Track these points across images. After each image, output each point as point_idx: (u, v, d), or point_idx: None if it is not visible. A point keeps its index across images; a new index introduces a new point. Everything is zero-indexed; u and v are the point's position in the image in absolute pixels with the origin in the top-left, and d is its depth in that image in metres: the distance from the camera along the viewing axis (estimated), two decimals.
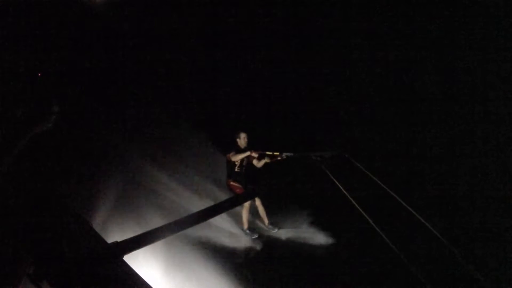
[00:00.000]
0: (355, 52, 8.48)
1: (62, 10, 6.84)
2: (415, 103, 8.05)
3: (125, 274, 1.51)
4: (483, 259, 4.19)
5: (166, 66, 8.12)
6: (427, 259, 3.92)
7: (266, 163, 5.33)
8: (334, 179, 2.66)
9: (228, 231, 5.56)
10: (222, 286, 4.02)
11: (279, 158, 4.99)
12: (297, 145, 7.55)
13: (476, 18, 7.35)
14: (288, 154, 4.80)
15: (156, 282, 3.74)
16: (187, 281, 3.92)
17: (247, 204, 5.47)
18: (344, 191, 2.71)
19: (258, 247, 5.28)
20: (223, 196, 6.03)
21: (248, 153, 5.31)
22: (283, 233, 5.66)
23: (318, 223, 5.82)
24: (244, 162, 5.47)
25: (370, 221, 2.61)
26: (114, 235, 4.28)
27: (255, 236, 5.45)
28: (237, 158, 5.35)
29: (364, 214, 2.65)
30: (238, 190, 5.48)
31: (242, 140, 5.48)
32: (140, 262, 3.67)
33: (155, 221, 4.68)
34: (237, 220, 5.70)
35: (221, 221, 5.64)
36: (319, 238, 5.43)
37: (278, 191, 6.62)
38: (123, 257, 1.49)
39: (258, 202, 5.66)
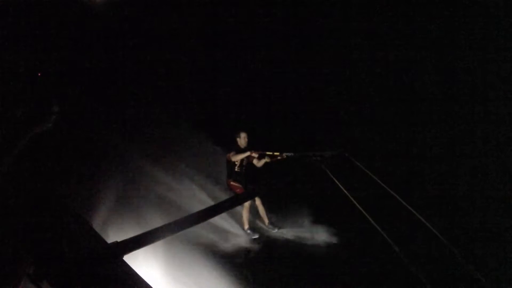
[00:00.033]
0: (355, 52, 8.48)
1: (62, 10, 6.84)
2: (415, 103, 8.06)
3: (125, 274, 1.51)
4: (483, 259, 4.19)
5: (166, 66, 8.12)
6: (427, 259, 3.92)
7: (266, 163, 5.33)
8: (334, 179, 2.66)
9: (228, 231, 5.56)
10: (222, 286, 4.01)
11: (279, 158, 4.99)
12: (297, 145, 7.55)
13: (476, 18, 7.34)
14: (288, 154, 4.80)
15: (156, 282, 3.74)
16: (187, 281, 3.92)
17: (247, 204, 5.47)
18: (345, 191, 2.71)
19: (258, 247, 5.28)
20: (223, 196, 6.03)
21: (248, 153, 5.31)
22: (283, 233, 5.66)
23: (318, 223, 5.83)
24: (244, 162, 5.47)
25: (371, 220, 2.61)
26: (114, 235, 4.28)
27: (256, 236, 5.45)
28: (237, 158, 5.34)
29: (364, 213, 2.65)
30: (238, 190, 5.48)
31: (242, 139, 5.47)
32: (140, 262, 3.67)
33: (155, 221, 4.68)
34: (237, 220, 5.70)
35: (221, 221, 5.64)
36: (319, 238, 5.43)
37: (278, 191, 6.64)
38: (123, 257, 1.49)
39: (258, 202, 5.66)
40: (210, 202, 5.70)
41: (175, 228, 1.73)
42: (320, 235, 5.47)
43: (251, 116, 7.98)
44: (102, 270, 1.44)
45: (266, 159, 5.25)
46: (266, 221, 5.72)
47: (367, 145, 7.46)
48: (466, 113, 7.51)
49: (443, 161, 7.24)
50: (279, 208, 6.30)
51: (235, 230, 5.60)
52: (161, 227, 1.65)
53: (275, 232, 5.65)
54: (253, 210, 5.76)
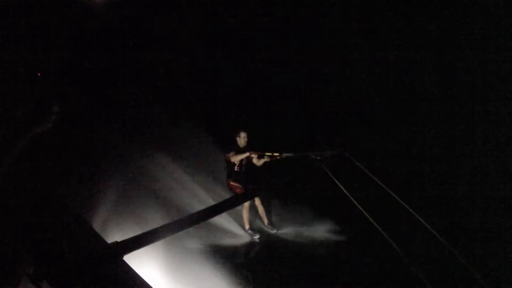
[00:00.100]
0: (355, 52, 8.47)
1: (62, 10, 6.84)
2: (415, 103, 8.05)
3: (125, 274, 1.51)
4: (483, 259, 4.19)
5: (166, 66, 8.12)
6: (427, 259, 3.92)
7: (266, 162, 5.32)
8: (334, 179, 2.66)
9: (228, 231, 5.57)
10: (222, 286, 4.02)
11: (278, 158, 4.99)
12: (297, 145, 7.55)
13: (476, 18, 7.34)
14: (288, 154, 4.79)
15: (156, 282, 3.74)
16: (187, 281, 3.92)
17: (247, 204, 5.47)
18: (345, 191, 2.71)
19: (258, 247, 5.28)
20: (223, 196, 6.03)
21: (247, 154, 5.30)
22: (283, 233, 5.67)
23: (318, 223, 5.83)
24: (244, 161, 5.47)
25: (371, 220, 2.61)
26: (114, 235, 4.29)
27: (257, 236, 5.45)
28: (237, 159, 5.33)
29: (365, 213, 2.65)
30: (238, 190, 5.48)
31: (242, 139, 5.47)
32: (140, 262, 3.67)
33: (155, 221, 4.68)
34: (237, 220, 5.70)
35: (221, 221, 5.64)
36: (319, 238, 5.43)
37: (278, 191, 6.64)
38: (123, 257, 1.49)
39: (257, 201, 5.66)
40: (210, 202, 5.70)
41: (175, 228, 1.74)
42: (320, 235, 5.47)
43: (251, 116, 7.98)
44: (102, 270, 1.44)
45: (266, 159, 5.25)
46: (266, 221, 5.72)
47: (367, 145, 7.45)
48: (466, 113, 7.50)
49: (443, 161, 7.23)
50: (279, 208, 6.31)
51: (235, 230, 5.60)
52: (161, 227, 1.65)
53: (274, 232, 5.65)
54: (253, 210, 5.76)
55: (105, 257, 1.47)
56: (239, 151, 5.38)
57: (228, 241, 5.27)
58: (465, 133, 7.39)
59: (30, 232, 1.69)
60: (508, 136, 6.90)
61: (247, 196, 4.43)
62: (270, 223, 5.76)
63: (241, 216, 5.55)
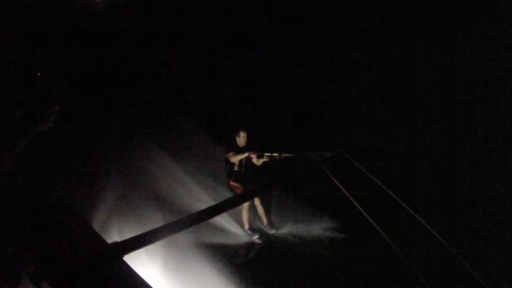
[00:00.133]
0: (355, 52, 8.48)
1: (62, 10, 6.84)
2: (415, 103, 8.05)
3: (125, 274, 1.51)
4: (483, 259, 4.20)
5: (166, 66, 8.13)
6: (427, 259, 3.92)
7: (265, 162, 5.32)
8: (334, 179, 2.66)
9: (228, 231, 5.57)
10: (222, 286, 4.02)
11: (278, 158, 4.98)
12: (297, 145, 7.57)
13: (476, 18, 7.34)
14: (288, 155, 4.79)
15: (156, 282, 3.74)
16: (187, 281, 3.92)
17: (246, 204, 5.46)
18: (344, 191, 2.71)
19: (258, 247, 5.28)
20: (223, 196, 6.03)
21: (246, 155, 5.29)
22: (282, 233, 5.67)
23: (318, 223, 5.83)
24: (243, 161, 5.46)
25: (371, 220, 2.61)
26: (114, 235, 4.31)
27: (256, 236, 5.45)
28: (236, 159, 5.33)
29: (364, 214, 2.65)
30: (238, 190, 5.48)
31: (241, 139, 5.46)
32: (140, 262, 3.68)
33: (155, 221, 4.69)
34: (237, 220, 5.70)
35: (221, 221, 5.64)
36: (319, 238, 5.43)
37: (278, 191, 6.65)
38: (123, 257, 1.49)
39: (257, 201, 5.65)
40: (210, 202, 5.71)
41: (175, 228, 1.73)
42: (320, 235, 5.48)
43: (251, 116, 7.98)
44: (102, 270, 1.44)
45: (265, 159, 5.24)
46: (265, 221, 5.71)
47: (367, 145, 7.46)
48: (466, 113, 7.51)
49: (443, 161, 7.24)
50: (279, 208, 6.31)
51: (235, 230, 5.60)
52: (161, 227, 1.65)
53: (273, 232, 5.64)
54: (252, 210, 5.76)
55: (105, 257, 1.47)
56: (239, 151, 5.36)
57: (228, 241, 5.27)
58: (465, 133, 7.40)
59: (30, 232, 1.69)
60: (508, 136, 6.90)
61: (247, 196, 4.42)
62: (270, 223, 5.76)
63: (241, 216, 5.55)
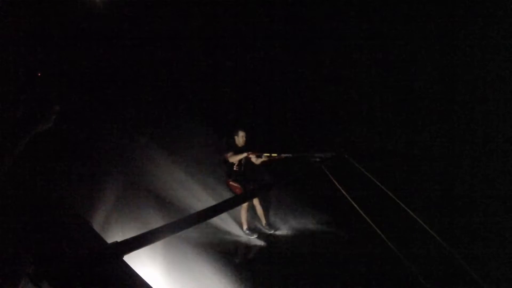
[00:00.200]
0: (355, 52, 8.48)
1: (62, 10, 6.85)
2: (415, 103, 8.06)
3: (125, 274, 1.51)
4: (483, 259, 4.20)
5: (166, 66, 8.13)
6: (427, 259, 3.92)
7: (265, 161, 5.31)
8: (334, 180, 2.66)
9: (228, 231, 5.57)
10: (222, 286, 4.02)
11: (277, 158, 4.98)
12: (297, 145, 7.57)
13: (476, 18, 7.34)
14: (287, 155, 4.78)
15: (156, 282, 3.75)
16: (187, 281, 3.93)
17: (245, 204, 5.45)
18: (344, 192, 2.71)
19: (258, 247, 5.29)
20: (223, 196, 6.04)
21: (245, 155, 5.28)
22: (282, 233, 5.67)
23: (318, 223, 5.83)
24: (243, 161, 5.45)
25: (370, 222, 2.61)
26: (114, 235, 4.31)
27: (255, 236, 5.45)
28: (235, 159, 5.32)
29: (363, 214, 2.65)
30: (237, 190, 5.47)
31: (240, 138, 5.44)
32: (140, 262, 3.68)
33: (155, 221, 4.70)
34: (237, 220, 5.70)
35: (221, 221, 5.64)
36: (319, 238, 5.43)
37: (277, 191, 6.65)
38: (123, 257, 1.49)
39: (256, 201, 5.64)
40: (210, 202, 5.71)
41: (175, 228, 1.73)
42: (319, 236, 5.48)
43: (251, 116, 7.98)
44: (102, 270, 1.44)
45: (264, 158, 5.23)
46: (264, 221, 5.69)
47: (367, 145, 7.47)
48: (466, 113, 7.51)
49: (443, 161, 7.24)
50: (278, 208, 6.31)
51: (234, 230, 5.60)
52: (161, 227, 1.65)
53: (271, 232, 5.63)
54: (251, 210, 5.76)
55: (105, 257, 1.47)
56: (238, 151, 5.35)
57: (228, 241, 5.28)
58: (465, 133, 7.40)
59: (30, 232, 1.69)
60: (508, 136, 6.90)
61: (247, 196, 4.42)
62: (268, 223, 5.75)
63: (240, 216, 5.55)
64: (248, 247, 5.27)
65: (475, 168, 6.91)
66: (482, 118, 7.37)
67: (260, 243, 5.38)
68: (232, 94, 8.48)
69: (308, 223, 5.87)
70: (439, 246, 2.60)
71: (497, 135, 7.07)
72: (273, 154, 5.02)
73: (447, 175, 7.04)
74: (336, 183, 2.63)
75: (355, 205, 2.66)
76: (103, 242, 1.77)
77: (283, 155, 4.85)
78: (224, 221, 5.68)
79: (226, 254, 4.87)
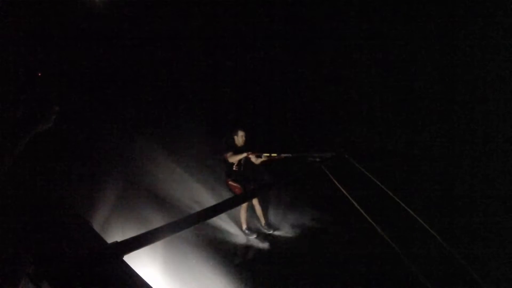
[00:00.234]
0: (355, 52, 8.49)
1: (62, 10, 6.85)
2: (415, 103, 8.06)
3: (125, 274, 1.51)
4: (483, 259, 4.20)
5: (166, 66, 8.13)
6: (427, 259, 3.92)
7: (264, 161, 5.30)
8: (334, 180, 2.66)
9: (228, 231, 5.56)
10: (222, 286, 4.02)
11: (277, 158, 4.97)
12: (297, 145, 7.57)
13: (476, 18, 7.35)
14: (287, 155, 4.77)
15: (156, 282, 3.75)
16: (187, 281, 3.93)
17: (245, 204, 5.43)
18: (344, 191, 2.71)
19: (257, 247, 5.28)
20: (223, 196, 6.03)
21: (245, 155, 5.26)
22: (282, 233, 5.66)
23: (318, 223, 5.83)
24: (242, 161, 5.43)
25: (371, 221, 2.61)
26: (114, 235, 4.31)
27: (254, 236, 5.44)
28: (235, 159, 5.31)
29: (364, 214, 2.65)
30: (237, 190, 5.46)
31: (239, 138, 5.43)
32: (140, 262, 3.68)
33: (155, 221, 4.70)
34: (237, 220, 5.70)
35: (221, 221, 5.64)
36: (319, 238, 5.43)
37: (277, 191, 6.65)
38: (123, 257, 1.49)
39: (255, 201, 5.61)
40: (210, 202, 5.71)
41: (175, 228, 1.73)
42: (319, 236, 5.47)
43: (251, 116, 7.99)
44: (102, 270, 1.44)
45: (264, 158, 5.22)
46: (263, 221, 5.67)
47: (367, 145, 7.47)
48: (466, 113, 7.52)
49: (443, 161, 7.24)
50: (278, 208, 6.31)
51: (234, 230, 5.60)
52: (161, 227, 1.65)
53: (270, 232, 5.62)
54: (250, 210, 5.76)
55: (105, 257, 1.47)
56: (237, 151, 5.33)
57: (227, 241, 5.27)
58: (465, 133, 7.40)
59: (30, 232, 1.69)
60: (508, 136, 6.91)
61: (247, 196, 4.41)
62: (267, 223, 5.73)
63: (239, 216, 5.54)
64: (248, 247, 5.26)
65: (475, 168, 6.91)
66: (482, 118, 7.37)
67: (260, 243, 5.37)
68: (232, 94, 8.48)
69: (308, 223, 5.87)
70: (439, 246, 2.60)
71: (497, 135, 7.08)
72: (273, 154, 5.01)
73: (447, 175, 7.04)
74: (336, 183, 2.63)
75: (356, 205, 2.66)
76: (103, 242, 1.77)
77: (283, 155, 4.83)
78: (223, 221, 5.67)
79: (226, 254, 4.86)
